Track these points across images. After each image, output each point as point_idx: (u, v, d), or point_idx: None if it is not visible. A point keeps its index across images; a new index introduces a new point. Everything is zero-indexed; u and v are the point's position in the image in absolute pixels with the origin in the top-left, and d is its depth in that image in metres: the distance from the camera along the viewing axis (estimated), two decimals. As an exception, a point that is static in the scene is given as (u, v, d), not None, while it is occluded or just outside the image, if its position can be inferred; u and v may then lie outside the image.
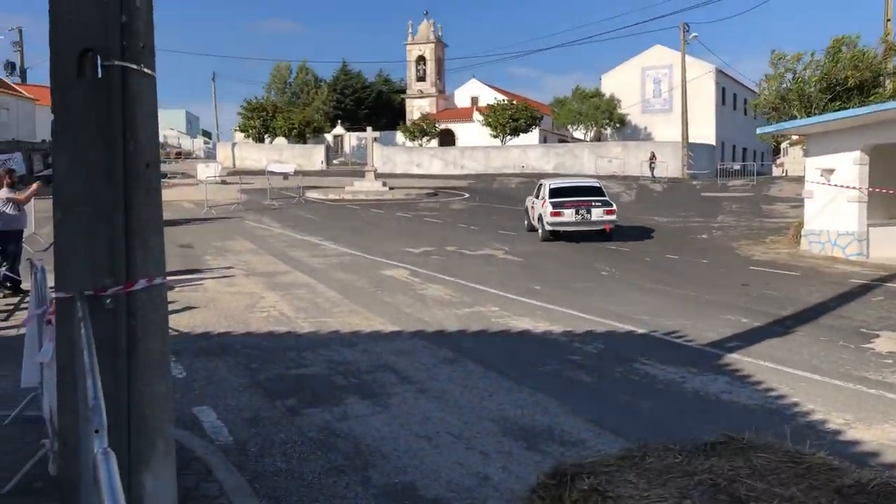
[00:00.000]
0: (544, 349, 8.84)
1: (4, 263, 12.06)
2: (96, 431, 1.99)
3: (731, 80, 63.57)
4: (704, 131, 56.43)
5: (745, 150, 64.67)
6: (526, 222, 22.79)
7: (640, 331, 9.75)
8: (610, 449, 4.81)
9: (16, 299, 11.27)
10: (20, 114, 47.92)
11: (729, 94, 63.70)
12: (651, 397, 7.00)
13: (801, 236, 18.95)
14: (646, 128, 60.79)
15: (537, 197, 21.43)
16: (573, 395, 7.07)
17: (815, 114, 26.64)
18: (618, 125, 59.68)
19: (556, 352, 8.70)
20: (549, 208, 19.75)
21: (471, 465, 5.37)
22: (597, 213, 19.80)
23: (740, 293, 12.71)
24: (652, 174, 44.68)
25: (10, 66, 61.99)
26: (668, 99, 59.23)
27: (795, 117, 28.03)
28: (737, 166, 49.52)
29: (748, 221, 25.68)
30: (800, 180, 22.28)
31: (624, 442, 5.44)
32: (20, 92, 50.57)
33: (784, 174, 57.70)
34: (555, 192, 20.48)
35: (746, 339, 9.29)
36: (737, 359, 8.33)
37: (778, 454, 2.87)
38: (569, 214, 19.59)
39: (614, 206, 20.52)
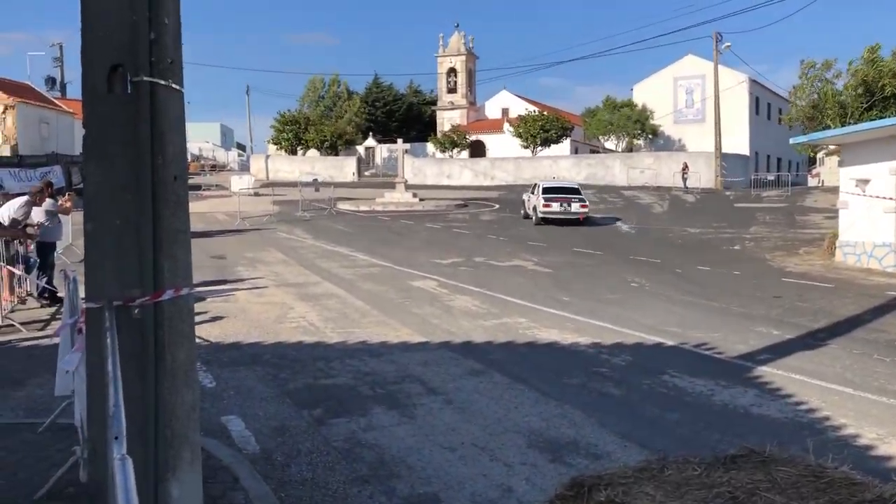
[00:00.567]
0: (572, 361, 8.80)
1: (43, 275, 12.33)
2: (116, 438, 2.03)
3: (765, 89, 62.90)
4: (738, 141, 55.87)
5: (779, 160, 63.86)
6: (522, 211, 30.42)
7: (670, 343, 9.67)
8: (636, 462, 4.78)
9: (52, 309, 11.51)
10: (60, 127, 48.98)
11: (763, 104, 63.02)
12: (679, 410, 6.94)
13: (835, 248, 18.65)
14: (679, 139, 60.35)
15: (532, 193, 28.92)
16: (600, 407, 7.03)
17: (850, 123, 26.23)
18: (650, 136, 59.30)
19: (583, 364, 8.66)
20: (542, 201, 27.33)
21: (495, 476, 5.37)
22: (575, 207, 27.41)
23: (772, 305, 12.54)
24: (684, 185, 44.32)
25: (52, 81, 63.66)
26: (700, 109, 58.76)
27: (829, 127, 27.61)
28: (771, 177, 48.91)
29: (782, 232, 25.34)
30: (835, 191, 21.95)
31: (650, 455, 5.39)
32: (59, 106, 51.72)
33: (820, 184, 56.85)
34: (546, 190, 28.22)
35: (778, 351, 9.16)
36: (767, 371, 8.22)
37: (799, 468, 2.84)
38: (555, 206, 27.25)
39: (587, 202, 28.20)
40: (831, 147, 33.00)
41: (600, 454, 5.79)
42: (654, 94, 60.48)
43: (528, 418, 6.66)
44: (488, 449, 5.91)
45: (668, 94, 60.59)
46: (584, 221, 27.24)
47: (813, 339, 9.90)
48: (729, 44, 47.64)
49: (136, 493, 1.57)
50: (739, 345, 9.50)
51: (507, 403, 7.10)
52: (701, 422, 6.60)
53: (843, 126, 24.86)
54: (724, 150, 49.34)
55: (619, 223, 28.41)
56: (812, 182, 62.69)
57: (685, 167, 45.25)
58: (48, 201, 12.41)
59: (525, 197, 30.36)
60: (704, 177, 47.20)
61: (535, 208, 27.88)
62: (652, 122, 58.95)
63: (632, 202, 37.36)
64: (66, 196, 13.22)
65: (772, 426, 6.43)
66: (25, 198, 11.92)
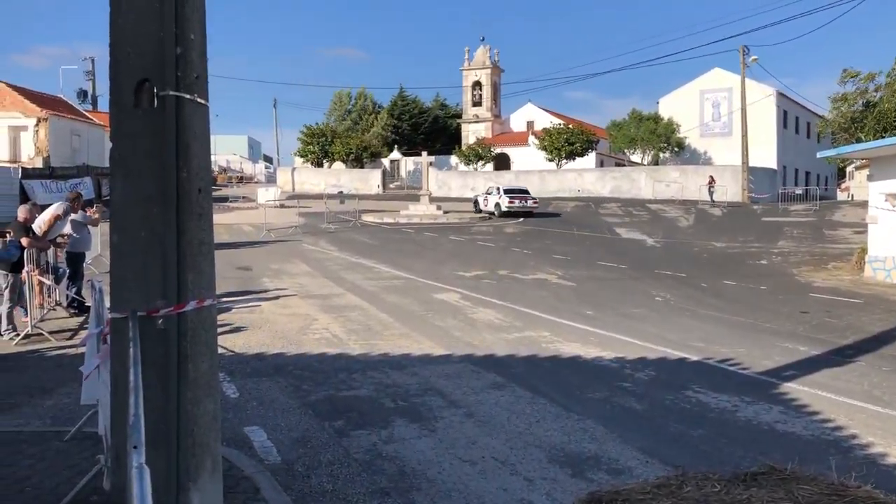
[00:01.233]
0: (594, 375, 8.76)
1: (73, 284, 12.53)
2: (134, 447, 2.07)
3: (793, 102, 62.31)
4: (765, 155, 55.36)
5: (807, 173, 63.16)
6: (476, 208, 40.18)
7: (694, 358, 9.59)
8: (655, 477, 4.73)
9: (81, 318, 11.68)
10: (90, 139, 49.76)
11: (791, 117, 62.42)
12: (702, 426, 6.87)
13: (864, 263, 18.39)
14: (705, 152, 59.94)
15: (489, 194, 39.46)
16: (622, 422, 6.99)
17: (891, 135, 25.85)
18: (676, 149, 58.95)
19: (606, 378, 8.61)
20: (507, 199, 37.26)
21: (515, 491, 5.35)
22: (529, 202, 37.21)
23: (799, 321, 12.39)
24: (711, 198, 43.96)
25: (83, 94, 64.87)
26: (727, 122, 58.35)
27: (860, 140, 27.24)
28: (799, 190, 48.40)
29: (809, 247, 25.04)
30: (865, 205, 21.64)
31: (672, 471, 5.35)
32: (90, 119, 52.58)
33: (849, 198, 56.15)
34: (508, 191, 38.59)
35: (804, 367, 9.04)
36: (793, 388, 8.12)
37: (821, 486, 2.81)
38: (516, 203, 36.99)
39: (536, 199, 38.58)
40: (861, 161, 32.60)
41: (622, 469, 5.75)
42: (680, 107, 60.16)
43: (549, 432, 6.63)
44: (509, 463, 5.89)
45: (694, 108, 60.25)
46: (532, 212, 36.84)
47: (841, 356, 9.76)
48: (756, 57, 47.27)
49: (151, 502, 1.59)
50: (765, 360, 9.39)
51: (529, 417, 7.07)
52: (724, 438, 6.53)
53: (883, 138, 24.46)
54: (752, 163, 48.89)
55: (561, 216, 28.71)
56: (841, 196, 62.00)
57: (711, 180, 44.89)
58: (81, 212, 12.67)
59: (480, 198, 40.30)
60: (731, 190, 46.81)
61: (497, 205, 37.56)
62: (678, 135, 58.61)
63: (657, 215, 37.13)
64: (95, 208, 13.44)
65: (797, 444, 6.34)
66: (63, 208, 12.06)
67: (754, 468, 3.04)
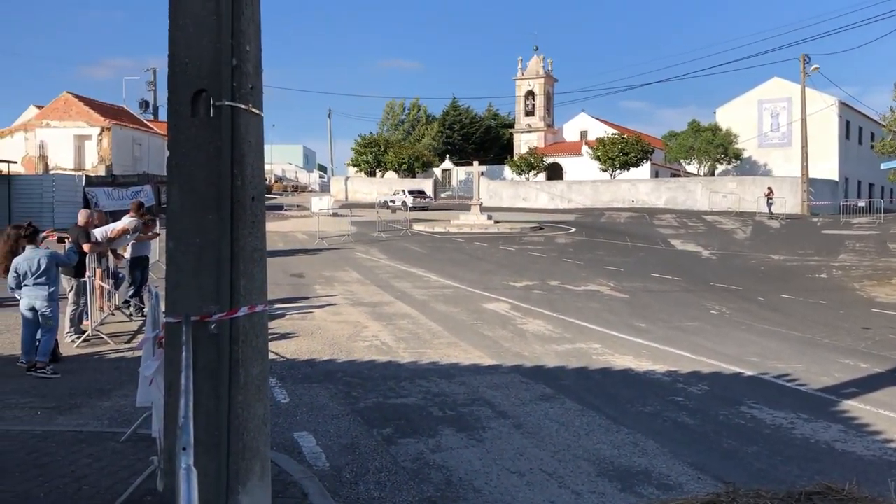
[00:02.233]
0: (646, 389, 8.62)
1: (131, 287, 12.88)
2: (183, 449, 2.11)
3: (856, 112, 60.67)
4: (827, 166, 54.02)
5: (871, 185, 61.33)
6: (386, 208, 48.39)
7: (749, 373, 9.37)
8: (704, 494, 4.63)
9: (140, 322, 11.97)
10: (151, 148, 51.17)
11: (854, 128, 60.77)
12: (757, 443, 6.71)
13: (931, 278, 17.74)
14: (763, 163, 58.73)
15: (396, 195, 52.74)
16: (673, 436, 6.86)
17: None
18: (733, 159, 57.86)
19: (658, 392, 8.47)
20: (411, 198, 49.89)
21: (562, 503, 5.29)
22: (426, 200, 51.32)
23: (860, 337, 12.01)
24: (769, 210, 43.00)
25: (145, 104, 66.78)
26: (787, 133, 57.10)
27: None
28: (862, 203, 46.95)
29: (872, 261, 24.26)
30: (931, 218, 20.89)
31: (723, 488, 5.23)
32: (151, 128, 54.07)
33: (916, 211, 54.30)
34: (411, 192, 51.99)
35: (865, 385, 8.76)
36: (853, 406, 7.87)
37: (880, 508, 2.71)
38: (417, 200, 50.04)
39: (430, 197, 54.19)
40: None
41: (672, 485, 5.64)
42: (737, 117, 59.08)
43: (598, 446, 6.56)
44: (557, 475, 5.84)
45: (752, 118, 59.10)
46: (428, 208, 49.69)
47: (904, 374, 9.42)
48: (817, 66, 46.14)
49: (198, 502, 1.62)
50: (823, 377, 9.12)
51: (578, 430, 7.00)
52: (779, 456, 6.36)
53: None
54: (812, 174, 47.70)
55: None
56: (907, 209, 59.95)
57: (770, 192, 43.90)
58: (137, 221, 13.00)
59: (388, 199, 52.46)
60: (790, 202, 45.71)
61: (404, 203, 48.69)
62: (735, 145, 57.53)
63: (713, 227, 36.46)
64: (151, 224, 13.84)
65: (857, 464, 6.14)
66: (134, 224, 12.45)
67: (809, 487, 2.96)
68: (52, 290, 9.01)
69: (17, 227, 9.41)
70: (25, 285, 8.92)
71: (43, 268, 8.93)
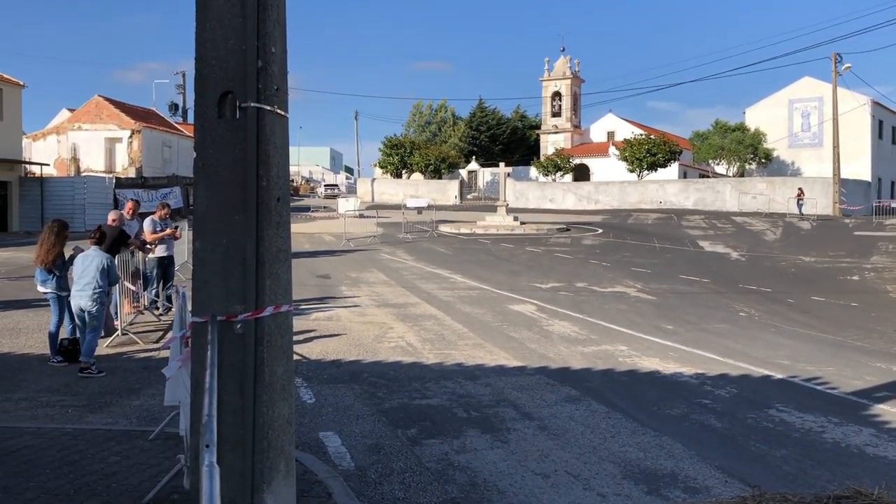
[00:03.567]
0: (673, 391, 8.54)
1: (153, 287, 13.07)
2: (207, 446, 2.12)
3: (889, 112, 59.66)
4: (859, 167, 53.19)
5: (905, 186, 60.29)
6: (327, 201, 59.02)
7: (778, 376, 9.25)
8: (730, 497, 4.58)
9: (167, 322, 12.11)
10: (180, 150, 51.73)
11: (887, 128, 59.76)
12: (786, 446, 6.62)
13: (967, 280, 17.40)
14: (793, 163, 57.99)
15: (324, 189, 77.49)
16: (701, 439, 6.79)
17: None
18: (763, 160, 57.18)
19: (685, 394, 8.39)
20: (325, 191, 74.42)
21: (588, 505, 5.26)
22: (336, 191, 72.80)
23: (893, 340, 11.80)
24: (799, 211, 42.41)
25: (174, 107, 67.61)
26: (817, 133, 56.33)
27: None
28: (895, 204, 46.15)
29: (907, 263, 23.82)
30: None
31: (750, 491, 5.17)
32: (181, 131, 54.67)
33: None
34: (328, 186, 77.85)
35: (898, 389, 8.60)
36: (885, 410, 7.74)
37: (911, 514, 2.66)
38: (329, 191, 74.04)
39: (341, 189, 76.82)
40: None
41: (699, 488, 5.59)
42: (767, 117, 58.40)
43: (624, 448, 6.51)
44: (582, 477, 5.81)
45: (782, 118, 58.37)
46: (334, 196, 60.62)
47: (938, 378, 9.24)
48: (849, 65, 45.50)
49: (219, 500, 1.63)
50: (855, 380, 8.98)
51: (604, 432, 6.96)
52: (809, 460, 6.27)
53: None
54: (844, 175, 46.97)
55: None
56: (942, 210, 58.79)
57: (800, 193, 43.31)
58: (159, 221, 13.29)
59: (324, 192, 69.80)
60: (821, 203, 45.08)
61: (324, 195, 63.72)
62: (765, 146, 56.85)
63: (743, 228, 36.04)
64: (176, 227, 14.13)
65: (889, 469, 6.04)
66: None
67: (838, 491, 2.92)
68: (99, 290, 9.25)
69: (60, 222, 9.78)
70: (75, 286, 9.28)
71: (102, 269, 9.24)
